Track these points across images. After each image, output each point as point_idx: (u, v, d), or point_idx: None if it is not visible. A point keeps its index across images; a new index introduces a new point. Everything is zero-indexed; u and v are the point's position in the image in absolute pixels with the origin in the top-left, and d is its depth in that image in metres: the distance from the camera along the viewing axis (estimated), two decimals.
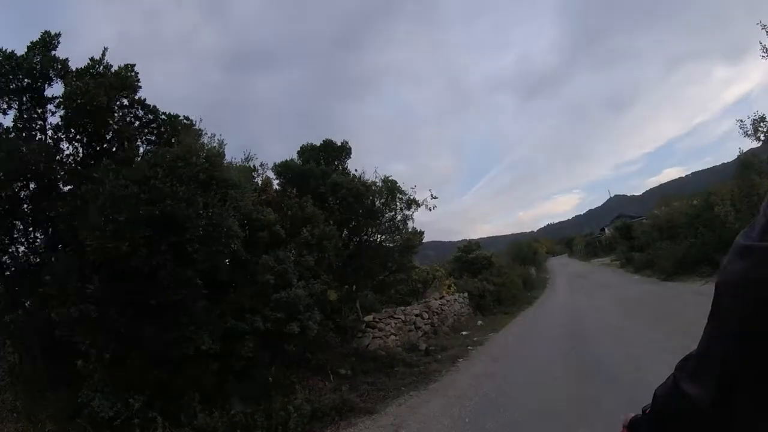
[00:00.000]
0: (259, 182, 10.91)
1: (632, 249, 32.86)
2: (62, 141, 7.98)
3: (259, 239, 7.86)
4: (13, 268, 7.64)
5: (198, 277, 6.41)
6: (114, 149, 7.87)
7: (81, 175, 7.29)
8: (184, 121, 8.36)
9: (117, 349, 6.08)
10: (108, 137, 7.93)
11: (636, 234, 34.98)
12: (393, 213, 12.68)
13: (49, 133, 7.94)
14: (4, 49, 7.55)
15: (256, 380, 7.26)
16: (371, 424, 7.09)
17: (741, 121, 16.94)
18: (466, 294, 19.55)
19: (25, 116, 7.85)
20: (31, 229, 7.76)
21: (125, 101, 7.94)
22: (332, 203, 11.84)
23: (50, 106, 7.83)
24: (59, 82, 7.78)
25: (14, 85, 7.67)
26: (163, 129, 8.20)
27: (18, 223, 7.72)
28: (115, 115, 7.80)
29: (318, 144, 13.91)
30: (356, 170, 13.25)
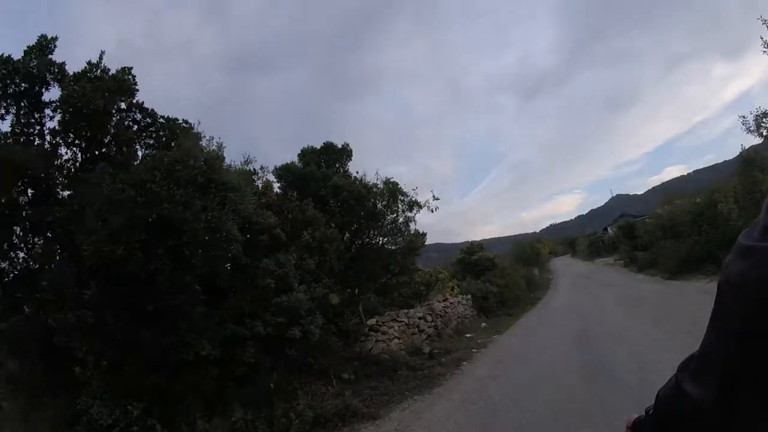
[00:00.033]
0: (260, 185, 10.84)
1: (635, 248, 32.69)
2: (60, 146, 7.93)
3: (260, 243, 7.77)
4: (11, 275, 7.57)
5: (197, 281, 6.33)
6: (112, 153, 7.81)
7: (80, 180, 7.22)
8: (183, 124, 8.29)
9: (114, 356, 5.99)
10: (106, 141, 7.88)
11: (639, 233, 34.77)
12: (395, 215, 12.61)
13: (48, 138, 7.90)
14: (1, 54, 7.50)
15: (258, 386, 7.17)
16: (375, 430, 6.98)
17: (743, 117, 16.82)
18: (469, 296, 19.43)
19: (23, 121, 7.80)
20: (30, 234, 7.71)
21: (123, 105, 7.89)
22: (333, 206, 11.75)
23: (48, 111, 7.80)
24: (56, 86, 7.73)
25: (12, 90, 7.62)
26: (161, 133, 8.14)
27: (17, 228, 7.68)
28: (113, 119, 7.73)
29: (318, 147, 13.82)
30: (357, 172, 13.17)
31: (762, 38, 13.94)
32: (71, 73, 7.81)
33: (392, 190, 12.41)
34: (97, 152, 7.88)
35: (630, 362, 7.51)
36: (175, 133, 7.94)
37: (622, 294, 18.50)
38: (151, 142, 8.13)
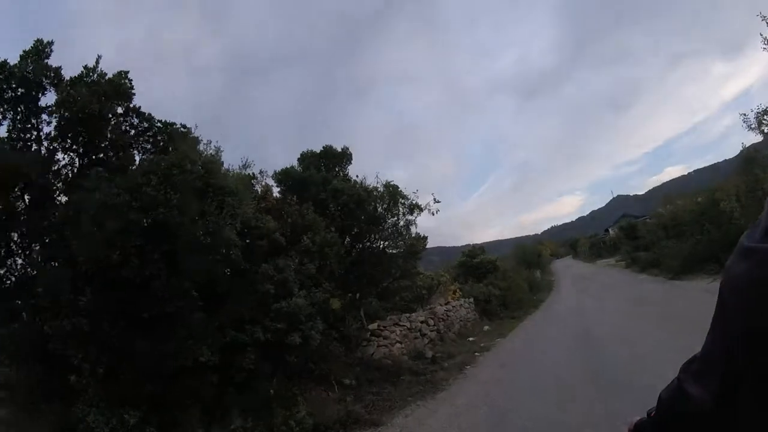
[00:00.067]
0: (259, 190, 10.76)
1: (637, 249, 32.67)
2: (57, 151, 7.86)
3: (259, 248, 7.67)
4: (8, 282, 7.49)
5: (195, 287, 6.22)
6: (109, 158, 7.72)
7: (76, 185, 7.14)
8: (181, 129, 8.21)
9: (110, 363, 5.89)
10: (103, 146, 7.80)
11: (641, 233, 34.80)
12: (395, 218, 12.53)
13: (45, 143, 7.83)
14: None
15: (257, 393, 7.05)
16: None
17: (744, 115, 16.83)
18: (471, 299, 19.32)
19: (19, 126, 7.73)
20: (27, 240, 7.64)
21: (120, 109, 7.80)
22: (333, 210, 11.67)
23: (45, 116, 7.74)
24: (53, 91, 7.66)
25: (8, 95, 7.55)
26: (159, 137, 8.05)
27: (14, 235, 7.60)
28: (110, 123, 7.64)
29: (318, 150, 13.77)
30: (357, 176, 13.11)
31: (762, 35, 13.93)
32: (68, 78, 7.76)
33: (392, 193, 12.34)
34: (95, 157, 7.81)
35: (635, 365, 7.40)
36: (173, 138, 7.85)
37: (624, 295, 18.42)
38: (149, 146, 8.04)
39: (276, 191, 11.74)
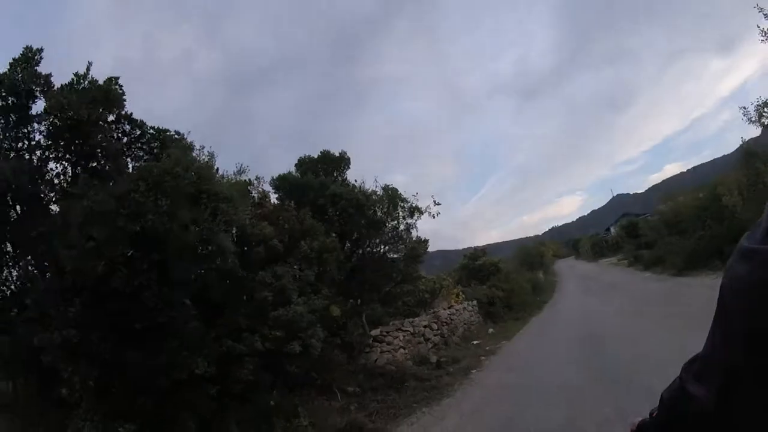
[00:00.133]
0: (256, 196, 10.61)
1: (639, 247, 32.55)
2: (50, 160, 7.73)
3: (256, 255, 7.48)
4: (7, 292, 7.35)
5: (188, 296, 6.03)
6: (101, 166, 7.57)
7: (66, 194, 6.99)
8: (175, 135, 8.07)
9: (102, 376, 5.69)
10: (96, 154, 7.66)
11: (642, 231, 34.66)
12: (395, 222, 12.38)
13: (38, 153, 7.70)
14: None
15: (257, 404, 6.84)
16: None
17: (744, 108, 16.75)
18: (475, 302, 19.15)
19: (10, 135, 7.60)
20: (18, 251, 7.49)
21: (111, 116, 7.66)
22: (332, 215, 11.52)
23: (37, 125, 7.62)
24: (43, 99, 7.54)
25: None
26: (152, 144, 7.92)
27: (7, 245, 7.46)
28: (101, 130, 7.49)
29: (316, 156, 13.67)
30: (356, 180, 12.99)
31: (759, 27, 13.87)
32: (59, 85, 7.63)
33: (392, 196, 12.20)
34: (87, 165, 7.67)
35: (641, 365, 7.20)
36: (166, 144, 7.70)
37: (628, 294, 18.29)
38: (141, 153, 7.90)
39: (274, 197, 11.64)
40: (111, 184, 6.41)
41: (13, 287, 7.40)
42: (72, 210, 5.88)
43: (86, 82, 7.61)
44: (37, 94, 7.56)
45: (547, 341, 12.91)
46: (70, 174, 7.74)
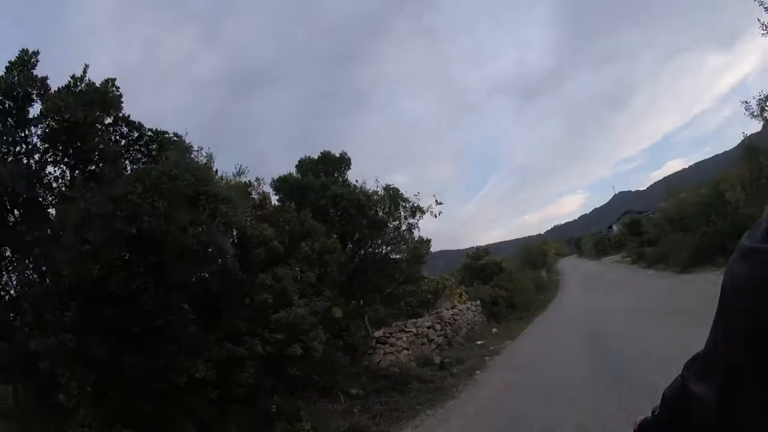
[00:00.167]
0: (256, 198, 10.53)
1: (642, 244, 32.43)
2: (48, 164, 7.68)
3: (256, 257, 7.39)
4: (6, 297, 7.29)
5: (187, 299, 5.94)
6: (100, 169, 7.51)
7: (64, 197, 6.93)
8: (174, 137, 8.00)
9: (99, 381, 5.61)
10: (94, 157, 7.59)
11: (645, 229, 34.58)
12: (397, 222, 12.27)
13: (36, 157, 7.65)
14: None
15: (258, 408, 6.74)
16: None
17: (746, 102, 16.62)
18: (478, 302, 19.02)
19: (8, 139, 7.54)
20: (17, 256, 7.43)
21: (109, 119, 7.60)
22: (333, 215, 11.43)
23: (34, 128, 7.57)
24: (40, 102, 7.48)
25: None
26: (150, 146, 7.85)
27: (6, 250, 7.40)
28: (98, 132, 7.42)
29: (316, 157, 13.58)
30: (357, 181, 12.88)
31: (759, 20, 13.74)
32: (56, 88, 7.57)
33: (393, 196, 12.10)
34: (86, 169, 7.61)
35: (647, 362, 7.08)
36: (164, 146, 7.63)
37: (633, 291, 18.14)
38: (139, 156, 7.83)
39: (274, 199, 11.55)
40: (108, 186, 6.32)
41: (12, 292, 7.36)
42: (68, 213, 5.80)
43: (83, 85, 7.55)
44: (34, 97, 7.51)
45: (552, 340, 12.80)
46: (68, 178, 7.69)
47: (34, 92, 7.49)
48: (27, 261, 7.24)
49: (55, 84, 7.63)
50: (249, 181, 10.73)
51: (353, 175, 13.39)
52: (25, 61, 7.57)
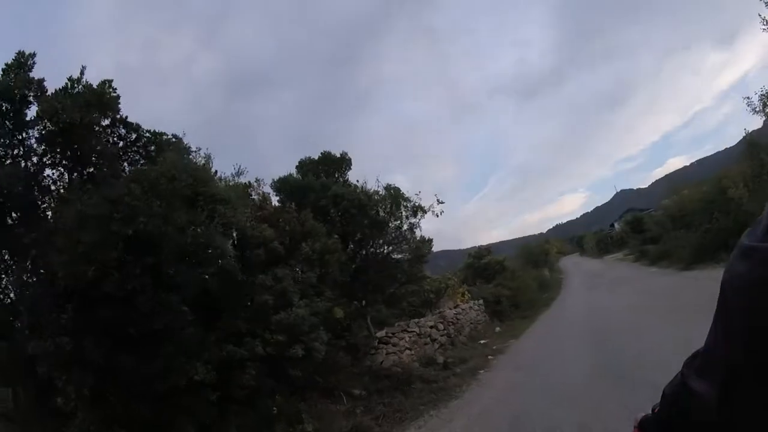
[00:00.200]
0: (256, 199, 10.47)
1: (644, 242, 32.32)
2: (46, 166, 7.64)
3: (256, 257, 7.33)
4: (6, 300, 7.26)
5: (185, 301, 5.87)
6: (98, 171, 7.46)
7: (61, 199, 6.89)
8: (172, 138, 7.95)
9: (96, 384, 5.54)
10: (92, 159, 7.55)
11: (648, 226, 34.47)
12: (399, 222, 12.22)
13: (34, 159, 7.61)
14: None
15: (258, 410, 6.67)
16: None
17: (748, 98, 16.54)
18: (481, 301, 18.95)
19: (5, 141, 7.50)
20: (15, 258, 7.39)
21: (106, 121, 7.55)
22: (334, 216, 11.37)
23: (31, 131, 7.53)
24: (37, 104, 7.44)
25: None
26: (148, 148, 7.80)
27: (5, 252, 7.36)
28: (96, 134, 7.37)
29: (317, 157, 13.53)
30: (357, 181, 12.82)
31: (760, 15, 13.68)
32: (53, 90, 7.53)
33: (394, 196, 12.06)
34: (84, 171, 7.56)
35: (649, 360, 7.00)
36: (162, 147, 7.57)
37: (636, 289, 18.01)
38: (137, 157, 7.78)
39: (275, 200, 11.50)
40: (105, 188, 6.27)
41: (12, 295, 7.32)
42: (64, 215, 5.74)
43: (80, 86, 7.51)
44: (31, 99, 7.48)
45: (555, 339, 12.71)
46: (66, 180, 7.66)
47: (31, 94, 7.46)
48: (25, 263, 7.22)
49: (55, 85, 7.66)
50: (249, 182, 10.69)
51: (354, 176, 13.34)
52: (22, 63, 7.54)
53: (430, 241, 12.77)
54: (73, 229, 5.48)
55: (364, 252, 12.09)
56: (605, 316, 13.89)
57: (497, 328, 17.12)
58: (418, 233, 12.43)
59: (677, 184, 34.79)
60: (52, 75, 7.73)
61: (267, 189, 11.55)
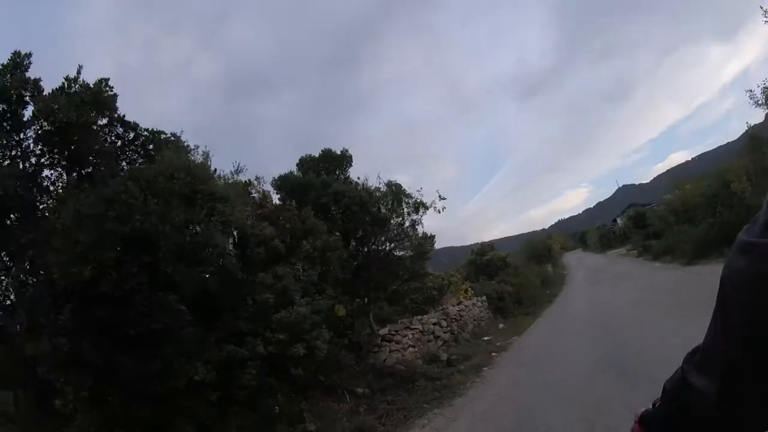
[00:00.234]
0: (256, 197, 10.42)
1: (647, 237, 32.21)
2: (44, 167, 7.61)
3: (256, 256, 7.26)
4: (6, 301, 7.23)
5: (184, 300, 5.80)
6: (96, 170, 7.41)
7: (59, 199, 6.84)
8: (171, 137, 7.90)
9: (95, 385, 5.49)
10: (90, 159, 7.51)
11: (650, 221, 34.33)
12: (400, 219, 12.14)
13: (32, 160, 7.58)
14: None
15: (260, 410, 6.61)
16: None
17: (750, 91, 16.49)
18: (484, 297, 18.87)
19: (3, 142, 7.46)
20: (14, 259, 7.36)
21: (103, 120, 7.50)
22: (335, 213, 11.31)
23: (29, 132, 7.49)
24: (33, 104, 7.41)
25: None
26: (147, 146, 7.76)
27: (3, 253, 7.33)
28: (93, 133, 7.32)
29: (317, 155, 13.45)
30: (358, 178, 12.75)
31: (762, 8, 13.63)
32: (50, 90, 7.48)
33: (396, 192, 11.97)
34: (80, 170, 7.52)
35: (654, 357, 6.92)
36: (160, 146, 7.52)
37: (639, 285, 17.90)
38: (136, 156, 7.73)
39: (276, 198, 11.44)
40: (101, 186, 6.21)
41: (12, 296, 7.29)
42: (62, 215, 5.69)
43: (77, 86, 7.47)
44: (27, 99, 7.44)
45: (558, 335, 12.65)
46: (65, 180, 7.62)
47: (28, 95, 7.43)
48: (24, 264, 7.18)
49: (55, 85, 7.62)
50: (249, 180, 10.63)
51: (355, 174, 13.26)
52: (18, 63, 7.51)
53: (432, 237, 12.68)
54: (71, 229, 5.43)
55: (365, 249, 12.02)
56: (608, 311, 13.80)
57: (500, 325, 17.05)
58: (420, 230, 12.35)
59: (679, 178, 34.67)
60: (53, 75, 7.73)
61: (267, 187, 11.51)
